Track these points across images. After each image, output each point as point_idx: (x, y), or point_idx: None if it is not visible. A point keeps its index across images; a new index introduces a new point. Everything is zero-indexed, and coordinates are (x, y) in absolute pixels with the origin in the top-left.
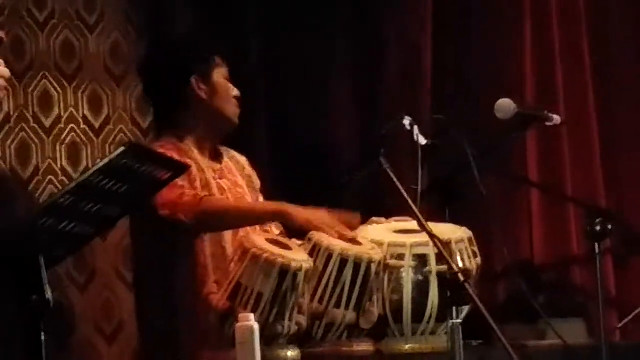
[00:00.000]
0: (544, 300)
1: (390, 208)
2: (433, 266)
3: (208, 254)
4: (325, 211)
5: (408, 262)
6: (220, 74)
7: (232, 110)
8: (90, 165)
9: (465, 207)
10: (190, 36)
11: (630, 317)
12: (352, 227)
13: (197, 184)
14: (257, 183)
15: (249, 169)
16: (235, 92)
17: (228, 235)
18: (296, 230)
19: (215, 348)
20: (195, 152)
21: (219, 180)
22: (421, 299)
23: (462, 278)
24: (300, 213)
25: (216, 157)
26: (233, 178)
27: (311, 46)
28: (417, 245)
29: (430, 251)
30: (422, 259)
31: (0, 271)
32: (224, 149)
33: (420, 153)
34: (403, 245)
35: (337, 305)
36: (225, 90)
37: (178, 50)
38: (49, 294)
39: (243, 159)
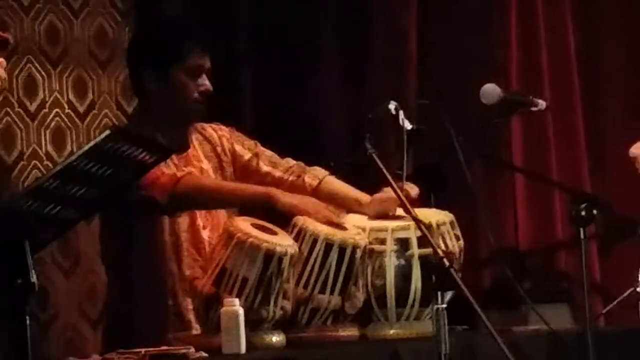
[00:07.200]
0: (529, 285)
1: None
2: (415, 250)
3: (165, 242)
4: (312, 197)
5: (390, 247)
6: (181, 69)
7: (187, 106)
8: (75, 150)
9: (451, 193)
10: (168, 25)
11: (615, 302)
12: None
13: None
14: (241, 152)
15: (224, 144)
16: (203, 87)
17: (184, 223)
18: (281, 216)
19: (178, 332)
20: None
21: (184, 169)
22: (404, 284)
23: (447, 263)
24: (287, 197)
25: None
26: (198, 164)
27: (298, 31)
28: (398, 229)
29: (412, 235)
30: (404, 243)
31: None
32: (196, 129)
33: (406, 138)
34: (385, 230)
35: (322, 290)
36: (181, 86)
37: (141, 39)
38: (34, 278)
39: (216, 135)
